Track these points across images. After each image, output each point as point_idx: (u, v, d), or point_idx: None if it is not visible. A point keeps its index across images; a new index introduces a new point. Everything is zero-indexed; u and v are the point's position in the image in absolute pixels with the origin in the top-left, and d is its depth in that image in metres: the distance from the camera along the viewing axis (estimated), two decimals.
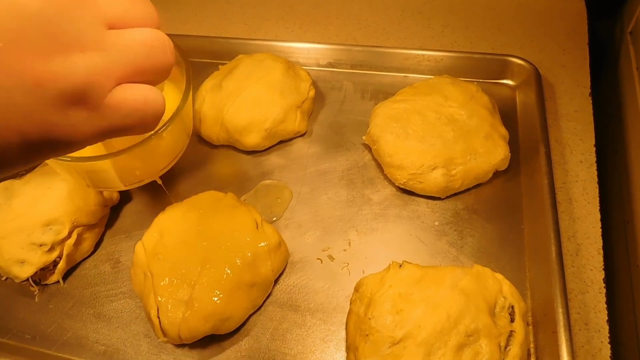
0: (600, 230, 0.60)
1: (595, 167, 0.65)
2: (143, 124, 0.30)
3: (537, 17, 0.88)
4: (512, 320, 0.49)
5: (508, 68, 0.76)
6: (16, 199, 0.60)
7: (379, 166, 0.67)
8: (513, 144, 0.66)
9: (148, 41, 0.29)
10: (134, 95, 0.28)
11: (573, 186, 0.64)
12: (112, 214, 0.67)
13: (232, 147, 0.72)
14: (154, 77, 0.30)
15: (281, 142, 0.72)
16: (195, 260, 0.54)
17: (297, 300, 0.57)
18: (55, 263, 0.60)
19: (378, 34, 0.89)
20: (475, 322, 0.47)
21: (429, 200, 0.64)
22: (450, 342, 0.46)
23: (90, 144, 0.29)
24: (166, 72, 0.31)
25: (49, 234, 0.59)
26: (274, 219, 0.64)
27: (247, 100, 0.69)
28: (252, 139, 0.69)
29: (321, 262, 0.60)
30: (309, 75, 0.76)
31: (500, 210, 0.62)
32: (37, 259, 0.58)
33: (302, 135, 0.73)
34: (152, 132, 0.45)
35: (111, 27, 0.27)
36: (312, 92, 0.74)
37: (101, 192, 0.64)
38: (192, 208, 0.58)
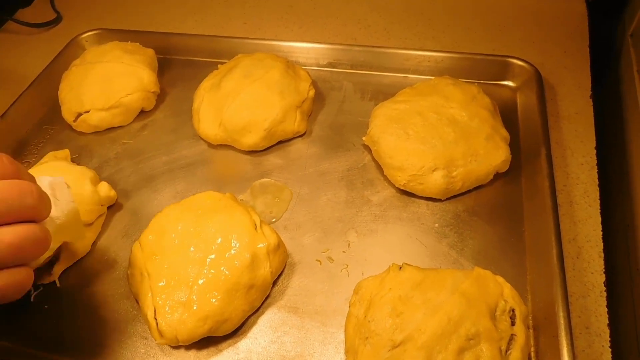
0: (601, 233, 0.59)
1: (596, 170, 0.65)
2: None
3: (538, 18, 0.87)
4: (512, 324, 0.49)
5: (509, 69, 0.75)
6: None
7: (379, 167, 0.66)
8: (514, 145, 0.65)
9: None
10: None
11: (574, 189, 0.64)
12: (109, 213, 0.66)
13: (230, 146, 0.72)
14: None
15: (280, 142, 0.72)
16: (193, 261, 0.53)
17: (295, 302, 0.56)
18: (51, 263, 0.59)
19: (378, 34, 0.89)
20: (476, 325, 0.46)
21: (429, 202, 0.63)
22: (451, 345, 0.45)
23: None
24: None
25: None
26: (273, 220, 0.63)
27: (246, 99, 0.68)
28: (251, 139, 0.69)
29: (320, 264, 0.59)
30: (309, 75, 0.75)
31: (500, 212, 0.62)
32: None
33: (301, 136, 0.73)
34: None
35: None
36: (311, 92, 0.73)
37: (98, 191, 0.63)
38: (189, 208, 0.58)
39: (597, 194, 0.63)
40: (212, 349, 0.54)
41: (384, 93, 0.75)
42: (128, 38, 0.83)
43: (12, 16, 0.99)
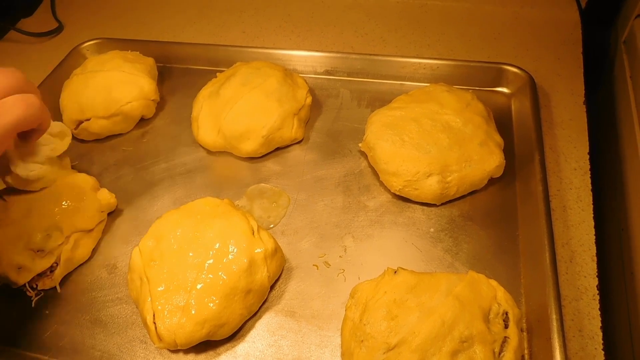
0: (594, 237, 0.60)
1: (590, 175, 0.66)
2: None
3: (532, 26, 0.89)
4: (506, 327, 0.49)
5: (503, 76, 0.76)
6: (13, 204, 0.60)
7: (375, 173, 0.67)
8: (508, 151, 0.66)
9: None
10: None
11: (567, 193, 0.65)
12: (110, 219, 0.67)
13: (229, 153, 0.73)
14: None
15: (278, 148, 0.73)
16: (191, 266, 0.54)
17: (292, 306, 0.57)
18: (52, 268, 0.60)
19: (375, 42, 0.90)
20: (470, 328, 0.47)
21: (425, 207, 0.64)
22: (445, 348, 0.46)
23: None
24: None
25: (46, 240, 0.59)
26: (271, 225, 0.64)
27: (245, 107, 0.69)
28: (249, 146, 0.70)
29: (317, 269, 0.60)
30: (306, 82, 0.76)
31: (495, 217, 0.62)
32: (34, 265, 0.58)
33: (299, 142, 0.74)
34: None
35: None
36: (309, 100, 0.74)
37: (98, 198, 0.64)
38: (188, 214, 0.59)
39: (590, 198, 0.64)
40: (210, 353, 0.54)
41: (380, 100, 0.76)
42: (128, 47, 0.84)
43: (14, 25, 1.01)
